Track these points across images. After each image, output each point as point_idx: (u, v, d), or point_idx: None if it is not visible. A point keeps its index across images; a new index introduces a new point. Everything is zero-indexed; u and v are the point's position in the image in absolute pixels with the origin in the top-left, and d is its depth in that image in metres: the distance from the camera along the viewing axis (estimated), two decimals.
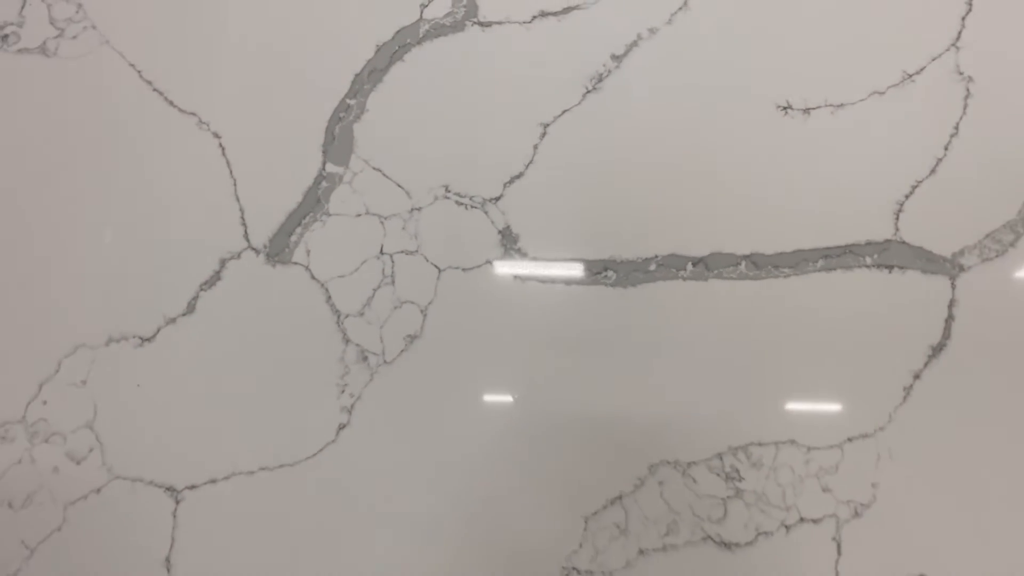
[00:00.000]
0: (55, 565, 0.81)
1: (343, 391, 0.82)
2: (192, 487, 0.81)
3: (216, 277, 0.86)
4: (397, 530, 0.79)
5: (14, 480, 0.84)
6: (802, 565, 0.79)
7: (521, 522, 0.79)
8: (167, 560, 0.80)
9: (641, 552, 0.80)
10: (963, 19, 0.85)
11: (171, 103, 0.89)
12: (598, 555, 0.80)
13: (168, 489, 0.83)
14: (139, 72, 0.89)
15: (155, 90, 0.88)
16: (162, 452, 0.83)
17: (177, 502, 0.82)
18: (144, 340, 0.85)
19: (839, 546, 0.80)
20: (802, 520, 0.81)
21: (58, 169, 0.87)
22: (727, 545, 0.80)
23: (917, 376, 0.81)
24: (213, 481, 0.82)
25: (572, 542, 0.80)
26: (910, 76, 0.85)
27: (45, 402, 0.84)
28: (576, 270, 0.84)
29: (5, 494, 0.83)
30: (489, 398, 0.81)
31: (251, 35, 0.89)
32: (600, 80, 0.87)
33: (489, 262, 0.86)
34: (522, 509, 0.79)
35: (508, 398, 0.81)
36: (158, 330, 0.85)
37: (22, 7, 0.87)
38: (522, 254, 0.84)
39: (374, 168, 0.87)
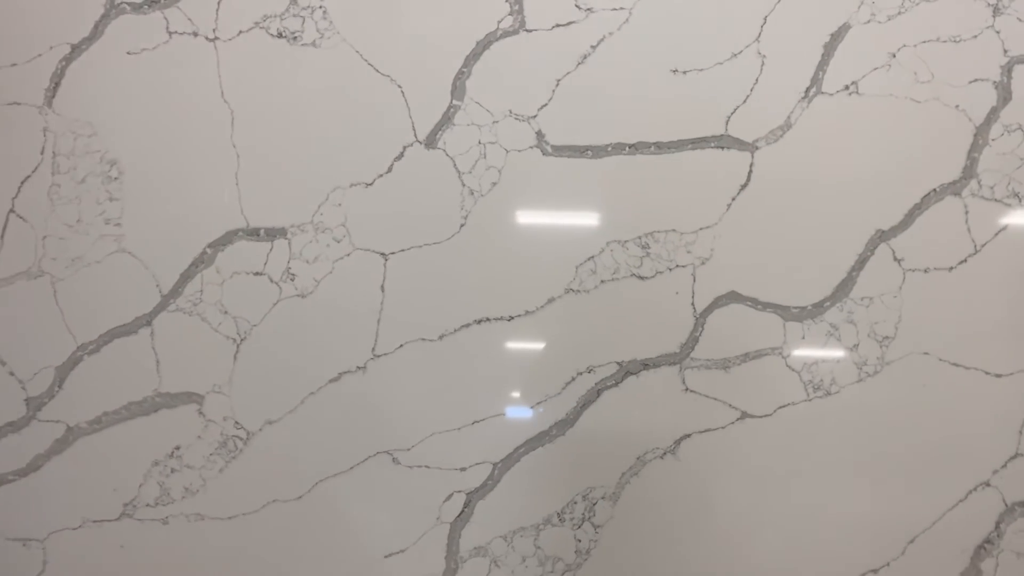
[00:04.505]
0: (341, 282, 1.70)
1: (461, 208, 1.60)
2: (393, 252, 1.67)
3: (401, 155, 1.55)
4: (494, 256, 1.64)
5: (306, 248, 1.63)
6: (676, 290, 1.63)
7: (545, 261, 1.66)
8: (381, 287, 1.69)
9: (602, 281, 1.60)
10: (761, 27, 1.67)
11: (376, 70, 1.54)
12: (582, 283, 1.63)
13: (381, 254, 1.70)
14: (360, 54, 1.61)
15: (369, 64, 1.59)
16: (378, 236, 1.62)
17: (386, 260, 1.65)
18: (367, 185, 1.60)
19: (694, 279, 1.63)
20: (677, 266, 1.59)
21: (324, 104, 1.62)
22: (641, 278, 1.64)
23: (734, 198, 1.60)
24: (403, 250, 1.65)
25: (568, 277, 1.63)
26: (734, 55, 1.67)
27: (321, 213, 1.58)
28: (572, 151, 1.62)
29: (300, 255, 1.70)
30: (530, 206, 1.61)
31: (415, 35, 1.59)
32: (583, 60, 1.64)
33: (531, 147, 1.61)
34: (546, 256, 1.65)
35: (540, 206, 1.63)
36: (374, 180, 1.59)
37: (302, 23, 1.72)
38: (546, 143, 1.66)
39: (476, 103, 1.54)
